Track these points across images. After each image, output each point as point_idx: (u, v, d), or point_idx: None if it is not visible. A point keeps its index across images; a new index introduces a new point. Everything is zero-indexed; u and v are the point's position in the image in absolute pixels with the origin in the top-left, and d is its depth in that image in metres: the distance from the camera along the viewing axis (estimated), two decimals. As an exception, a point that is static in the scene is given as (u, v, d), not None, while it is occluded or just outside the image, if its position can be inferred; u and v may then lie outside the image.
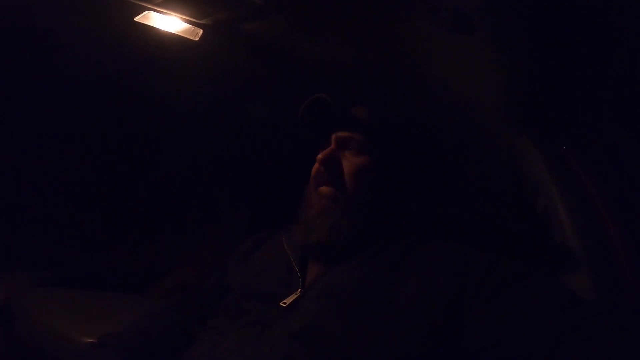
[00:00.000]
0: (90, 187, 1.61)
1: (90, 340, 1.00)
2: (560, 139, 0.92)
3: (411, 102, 1.04)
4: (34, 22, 1.24)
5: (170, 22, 1.09)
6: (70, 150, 1.58)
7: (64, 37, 1.26)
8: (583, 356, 0.49)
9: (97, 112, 1.54)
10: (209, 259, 1.45)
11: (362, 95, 0.97)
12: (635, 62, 0.79)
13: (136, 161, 1.66)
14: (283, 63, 1.21)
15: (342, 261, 0.72)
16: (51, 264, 1.48)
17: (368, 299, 0.63)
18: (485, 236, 0.87)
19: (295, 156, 1.02)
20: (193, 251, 1.58)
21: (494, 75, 0.93)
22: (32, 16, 1.21)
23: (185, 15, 1.05)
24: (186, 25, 1.09)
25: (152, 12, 1.05)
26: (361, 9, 0.91)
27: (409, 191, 0.80)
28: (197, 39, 1.10)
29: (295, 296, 0.69)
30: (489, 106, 0.99)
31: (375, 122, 0.79)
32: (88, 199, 1.60)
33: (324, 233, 0.73)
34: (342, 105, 0.78)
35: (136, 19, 1.07)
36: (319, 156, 0.76)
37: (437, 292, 0.62)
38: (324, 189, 0.75)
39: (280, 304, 0.68)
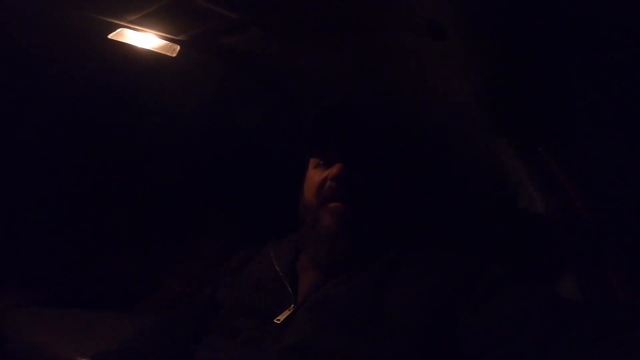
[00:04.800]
0: (78, 205, 1.59)
1: (83, 360, 1.00)
2: (536, 140, 0.94)
3: (393, 110, 1.05)
4: (6, 41, 1.21)
5: (145, 39, 1.07)
6: (57, 169, 1.55)
7: (37, 56, 1.23)
8: (571, 357, 0.49)
9: (81, 131, 1.52)
10: (198, 273, 1.45)
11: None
12: (610, 63, 0.81)
13: (123, 178, 1.64)
14: (264, 75, 1.20)
15: (335, 273, 0.72)
16: (41, 283, 1.47)
17: (361, 311, 0.64)
18: (471, 240, 0.89)
19: (283, 169, 1.02)
20: (183, 266, 1.57)
21: (469, 81, 0.95)
22: (4, 35, 1.18)
23: (161, 31, 1.04)
24: (163, 42, 1.07)
25: (126, 30, 1.03)
26: (336, 21, 0.91)
27: (406, 202, 0.82)
28: (174, 55, 1.08)
29: (289, 312, 0.70)
30: (466, 112, 1.00)
31: (381, 137, 0.80)
32: (76, 217, 1.58)
33: (344, 251, 0.73)
34: (353, 118, 0.78)
35: (110, 36, 1.05)
36: (333, 172, 0.75)
37: (428, 299, 0.63)
38: (335, 205, 0.74)
39: (274, 320, 0.69)
